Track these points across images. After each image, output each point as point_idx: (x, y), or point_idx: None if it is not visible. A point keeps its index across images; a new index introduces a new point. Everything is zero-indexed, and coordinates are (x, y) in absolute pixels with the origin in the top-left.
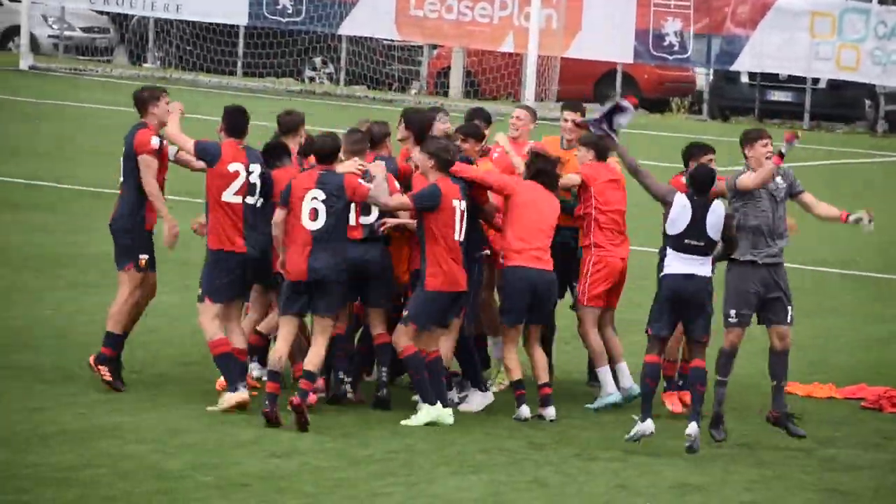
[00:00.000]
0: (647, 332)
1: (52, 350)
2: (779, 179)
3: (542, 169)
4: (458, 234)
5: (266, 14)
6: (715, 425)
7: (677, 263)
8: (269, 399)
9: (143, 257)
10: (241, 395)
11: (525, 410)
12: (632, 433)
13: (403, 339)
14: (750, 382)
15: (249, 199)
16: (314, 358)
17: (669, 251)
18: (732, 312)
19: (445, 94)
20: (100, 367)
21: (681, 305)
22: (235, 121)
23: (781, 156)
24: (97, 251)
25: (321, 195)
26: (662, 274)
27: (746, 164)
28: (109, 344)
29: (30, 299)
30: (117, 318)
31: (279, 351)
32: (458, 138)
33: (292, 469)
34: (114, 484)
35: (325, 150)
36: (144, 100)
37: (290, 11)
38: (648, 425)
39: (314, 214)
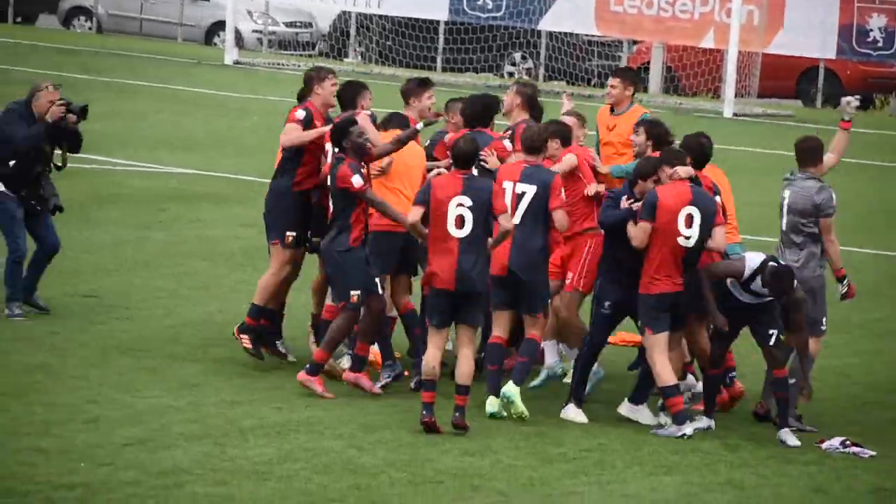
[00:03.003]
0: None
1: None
2: None
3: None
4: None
5: (466, 9)
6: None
7: None
8: (427, 409)
9: (290, 234)
10: None
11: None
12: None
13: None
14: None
15: None
16: (465, 370)
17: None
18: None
19: (645, 90)
20: (242, 335)
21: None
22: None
23: (847, 121)
24: None
25: (468, 202)
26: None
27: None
28: (251, 314)
29: (230, 293)
30: (261, 291)
31: (433, 360)
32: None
33: (485, 467)
34: (310, 478)
35: (466, 154)
36: (310, 78)
37: (490, 7)
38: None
39: (461, 222)
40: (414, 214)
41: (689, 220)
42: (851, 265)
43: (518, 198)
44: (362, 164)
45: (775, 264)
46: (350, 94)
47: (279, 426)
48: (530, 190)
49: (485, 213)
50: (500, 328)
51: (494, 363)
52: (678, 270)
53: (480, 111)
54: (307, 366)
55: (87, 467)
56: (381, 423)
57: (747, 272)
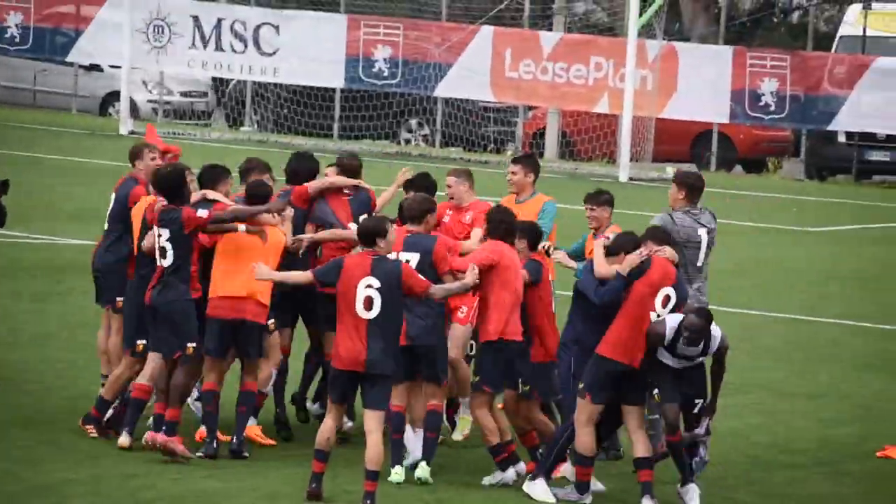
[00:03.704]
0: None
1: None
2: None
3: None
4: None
5: (362, 76)
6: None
7: None
8: (315, 480)
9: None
10: None
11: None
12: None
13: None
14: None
15: None
16: (374, 455)
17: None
18: None
19: (541, 155)
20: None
21: None
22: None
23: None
24: None
25: (376, 283)
26: None
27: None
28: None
29: None
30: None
31: (328, 431)
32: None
33: None
34: None
35: (371, 232)
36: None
37: (385, 74)
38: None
39: (369, 304)
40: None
41: (666, 301)
42: (752, 327)
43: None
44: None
45: (691, 314)
46: (210, 176)
47: (177, 498)
48: (413, 258)
49: (394, 293)
50: (398, 397)
51: (397, 432)
52: (639, 347)
53: (304, 168)
54: (163, 427)
55: None
56: (283, 493)
57: (669, 333)
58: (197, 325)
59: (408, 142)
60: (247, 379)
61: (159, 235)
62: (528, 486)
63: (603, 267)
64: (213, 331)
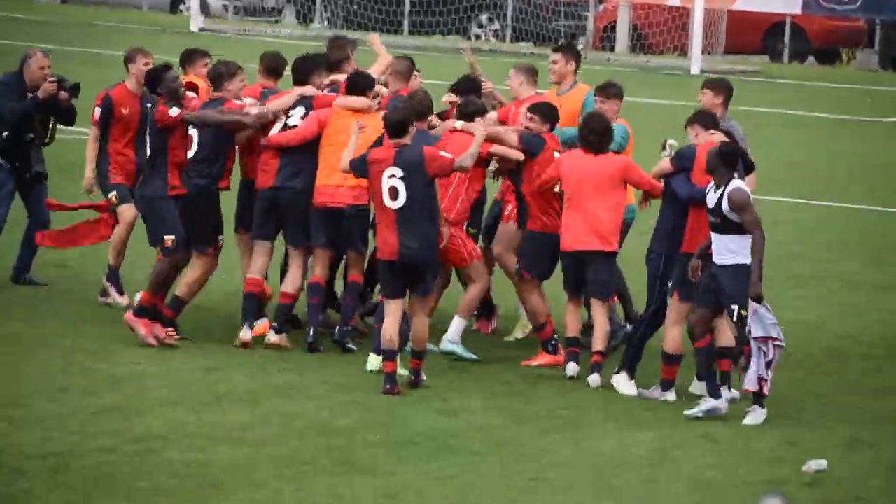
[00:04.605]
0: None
1: (221, 309)
2: None
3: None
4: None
5: None
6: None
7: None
8: (390, 379)
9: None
10: None
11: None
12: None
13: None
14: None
15: None
16: (419, 335)
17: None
18: None
19: (612, 49)
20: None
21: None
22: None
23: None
24: None
25: (399, 172)
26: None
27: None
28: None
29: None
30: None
31: (390, 330)
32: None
33: (459, 427)
34: (285, 442)
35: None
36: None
37: None
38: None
39: (394, 193)
40: (343, 163)
41: None
42: (825, 218)
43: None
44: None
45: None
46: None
47: (252, 391)
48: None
49: (420, 179)
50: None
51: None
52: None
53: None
54: (134, 307)
55: (60, 436)
56: (354, 385)
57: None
58: (175, 219)
59: (478, 37)
60: (350, 272)
61: (146, 130)
62: (612, 380)
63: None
64: (317, 220)
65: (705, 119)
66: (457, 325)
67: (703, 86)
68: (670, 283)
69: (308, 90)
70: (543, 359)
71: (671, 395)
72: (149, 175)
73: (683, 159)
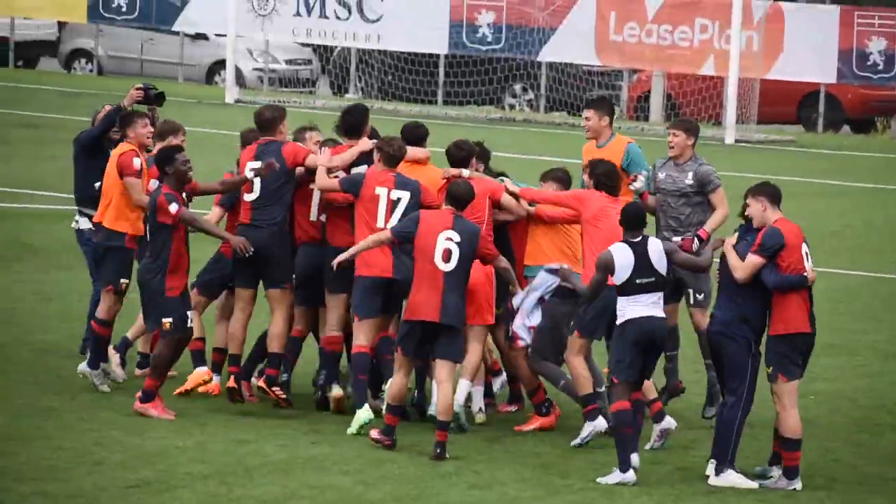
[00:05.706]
0: (613, 381)
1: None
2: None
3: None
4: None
5: (466, 42)
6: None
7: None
8: (388, 431)
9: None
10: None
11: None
12: (614, 481)
13: (359, 336)
14: None
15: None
16: (445, 405)
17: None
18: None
19: (646, 119)
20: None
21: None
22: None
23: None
24: None
25: (456, 237)
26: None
27: None
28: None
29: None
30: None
31: (400, 386)
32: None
33: (492, 499)
34: None
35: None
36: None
37: (489, 39)
38: (631, 475)
39: (447, 255)
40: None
41: (807, 256)
42: (855, 288)
43: (393, 204)
44: (181, 193)
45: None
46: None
47: (284, 464)
48: (405, 196)
49: (471, 250)
50: (364, 338)
51: (363, 373)
52: (807, 307)
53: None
54: (139, 395)
55: None
56: (387, 458)
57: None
58: (174, 303)
59: (512, 107)
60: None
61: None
62: (720, 480)
63: (739, 264)
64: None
65: (776, 195)
66: (463, 388)
67: (675, 126)
68: (770, 369)
69: (366, 144)
70: (536, 422)
71: (797, 484)
72: (152, 263)
73: (768, 247)
